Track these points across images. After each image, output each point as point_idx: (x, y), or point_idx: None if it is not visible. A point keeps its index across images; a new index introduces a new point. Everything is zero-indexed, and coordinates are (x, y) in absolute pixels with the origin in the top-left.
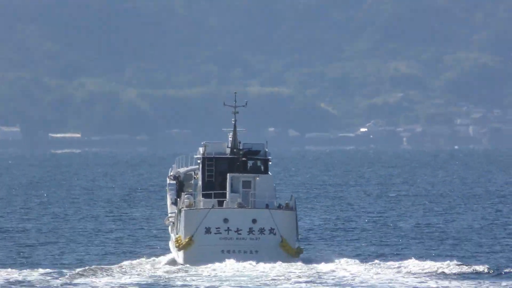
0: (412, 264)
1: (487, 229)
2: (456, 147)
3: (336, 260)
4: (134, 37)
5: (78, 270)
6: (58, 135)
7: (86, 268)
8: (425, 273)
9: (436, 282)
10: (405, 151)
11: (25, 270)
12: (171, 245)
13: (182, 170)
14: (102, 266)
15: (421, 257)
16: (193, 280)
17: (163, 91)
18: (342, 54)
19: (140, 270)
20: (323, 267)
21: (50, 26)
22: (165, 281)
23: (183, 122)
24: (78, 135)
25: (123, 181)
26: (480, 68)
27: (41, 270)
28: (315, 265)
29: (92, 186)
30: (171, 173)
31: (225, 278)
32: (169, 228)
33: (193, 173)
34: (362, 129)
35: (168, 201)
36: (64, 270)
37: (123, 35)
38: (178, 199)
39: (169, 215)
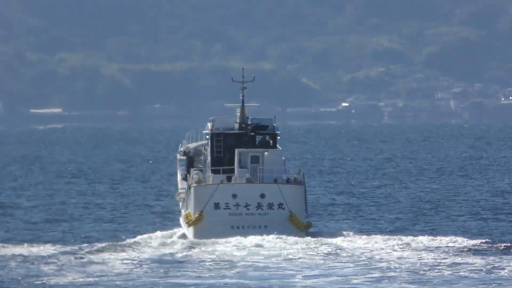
0: (425, 239)
1: (492, 204)
2: (454, 120)
3: (348, 236)
4: (116, 11)
5: (91, 247)
6: (39, 110)
7: (103, 245)
8: (439, 248)
9: (460, 257)
10: (387, 125)
11: (36, 248)
12: (182, 221)
13: (192, 145)
14: (114, 243)
15: (430, 232)
16: (209, 257)
17: (144, 66)
18: (324, 29)
19: (154, 246)
20: (337, 241)
21: (32, 1)
22: (180, 258)
23: (164, 97)
24: (59, 110)
25: (117, 156)
26: (462, 42)
27: (52, 247)
28: (328, 239)
29: (88, 162)
30: (181, 149)
31: (240, 257)
32: (180, 204)
33: (203, 148)
34: (344, 104)
35: (179, 177)
36: (75, 248)
37: (105, 10)
38: (188, 174)
39: (180, 190)
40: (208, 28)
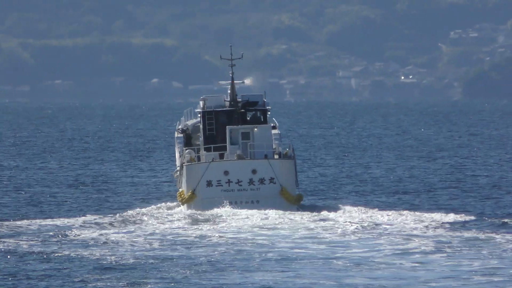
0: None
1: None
2: (355, 98)
3: (343, 208)
4: None
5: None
6: None
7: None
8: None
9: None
10: (289, 103)
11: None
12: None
13: (190, 122)
14: (119, 216)
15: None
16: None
17: (45, 41)
18: (226, 6)
19: (152, 222)
20: (332, 215)
21: None
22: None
23: (65, 72)
24: None
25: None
26: (362, 21)
27: (55, 221)
28: (326, 213)
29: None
30: (179, 127)
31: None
32: (178, 181)
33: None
34: (246, 81)
35: (177, 154)
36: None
37: None
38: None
39: (178, 168)
40: (109, 4)
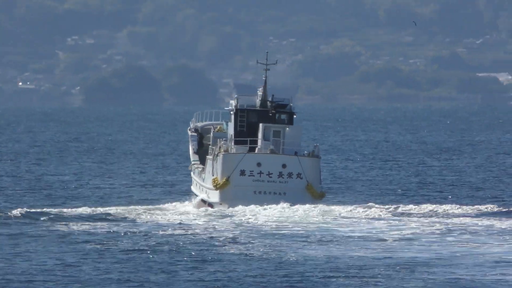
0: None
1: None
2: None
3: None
4: None
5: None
6: None
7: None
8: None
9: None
10: None
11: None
12: (194, 188)
13: (200, 124)
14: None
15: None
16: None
17: None
18: None
19: (176, 211)
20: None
21: None
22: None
23: None
24: None
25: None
26: None
27: (84, 209)
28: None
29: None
30: (191, 126)
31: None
32: (192, 173)
33: (211, 127)
34: None
35: (191, 150)
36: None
37: None
38: (199, 149)
39: (192, 162)
40: None
